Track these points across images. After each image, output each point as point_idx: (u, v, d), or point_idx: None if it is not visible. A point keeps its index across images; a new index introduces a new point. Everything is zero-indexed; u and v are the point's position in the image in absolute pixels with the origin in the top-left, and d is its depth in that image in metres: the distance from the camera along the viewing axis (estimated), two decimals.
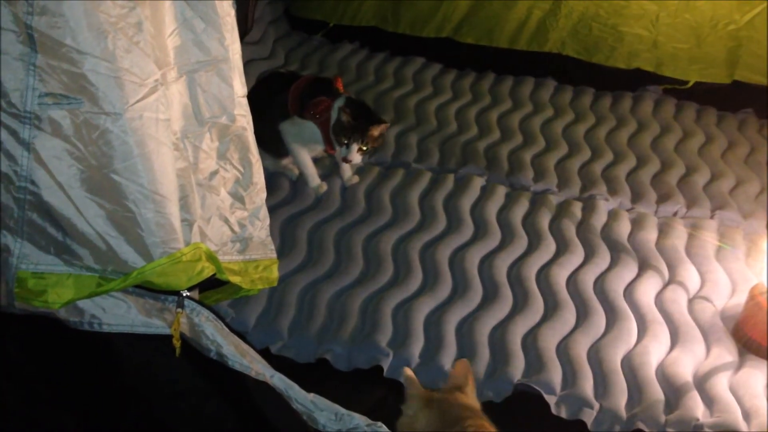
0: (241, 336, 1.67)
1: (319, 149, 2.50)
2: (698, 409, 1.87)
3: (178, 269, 1.51)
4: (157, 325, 1.56)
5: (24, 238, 1.47)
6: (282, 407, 1.60)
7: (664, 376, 1.98)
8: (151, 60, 1.44)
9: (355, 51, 3.47)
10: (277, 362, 1.80)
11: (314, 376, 1.91)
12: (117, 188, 1.44)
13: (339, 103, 2.37)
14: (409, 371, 1.59)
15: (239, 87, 1.68)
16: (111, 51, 1.38)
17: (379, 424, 1.62)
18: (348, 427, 1.62)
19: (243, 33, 2.59)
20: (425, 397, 1.53)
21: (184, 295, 1.55)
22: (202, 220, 1.64)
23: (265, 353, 1.88)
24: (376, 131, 2.35)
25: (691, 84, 3.24)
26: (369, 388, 1.92)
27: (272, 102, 2.46)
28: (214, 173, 1.68)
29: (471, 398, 1.56)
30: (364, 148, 2.36)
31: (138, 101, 1.42)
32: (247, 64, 3.11)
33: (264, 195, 1.84)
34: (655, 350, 2.04)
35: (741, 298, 2.19)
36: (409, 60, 3.39)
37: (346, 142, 2.34)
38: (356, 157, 2.38)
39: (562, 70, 3.32)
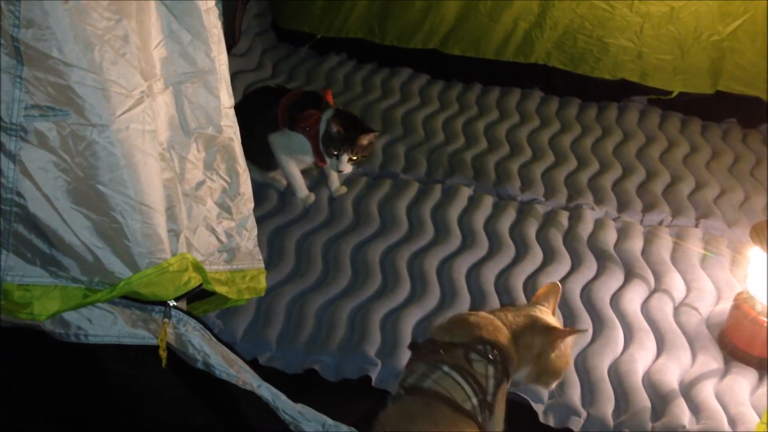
0: (229, 347, 1.67)
1: (308, 161, 2.51)
2: (684, 416, 1.88)
3: (164, 279, 1.51)
4: (144, 336, 1.56)
5: (9, 250, 1.47)
6: (269, 418, 1.59)
7: (650, 383, 1.99)
8: (137, 72, 1.45)
9: (343, 62, 3.48)
10: (265, 373, 1.79)
11: (302, 386, 1.91)
12: (103, 199, 1.44)
13: (327, 115, 2.38)
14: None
15: (226, 98, 1.68)
16: (98, 63, 1.38)
17: None
18: None
19: (230, 45, 2.62)
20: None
21: (171, 305, 1.55)
22: (188, 231, 1.64)
23: (253, 364, 1.87)
24: (364, 140, 2.37)
25: (675, 94, 3.27)
26: (357, 399, 1.91)
27: (261, 115, 2.47)
28: (201, 183, 1.68)
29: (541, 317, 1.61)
30: (354, 158, 2.37)
31: (124, 113, 1.42)
32: (235, 75, 3.12)
33: (251, 205, 1.84)
34: (642, 358, 2.05)
35: (726, 306, 2.20)
36: (396, 71, 3.41)
37: (336, 152, 2.36)
38: (347, 167, 2.39)
39: (548, 80, 3.35)
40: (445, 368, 1.44)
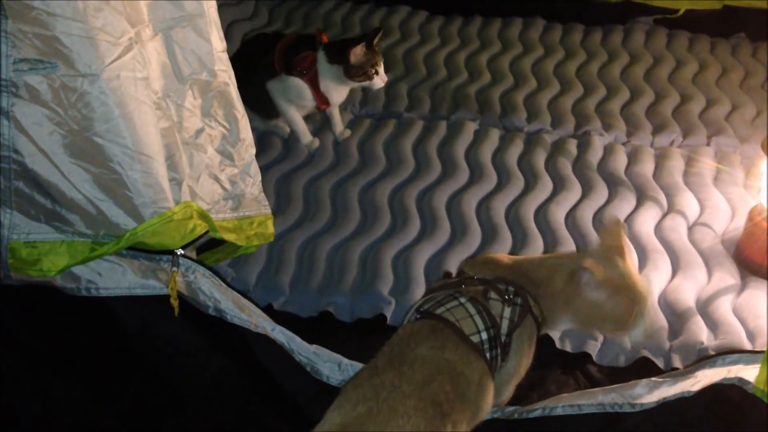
0: (243, 294, 1.67)
1: (309, 106, 2.47)
2: (702, 333, 1.87)
3: (170, 228, 1.50)
4: (154, 286, 1.56)
5: (13, 208, 1.47)
6: (284, 360, 1.60)
7: (666, 303, 1.98)
8: (123, 18, 1.42)
9: (339, 4, 3.41)
10: (280, 318, 1.80)
11: (318, 329, 1.91)
12: (101, 151, 1.43)
13: (321, 55, 2.34)
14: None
15: (218, 42, 1.65)
16: (82, 11, 1.35)
17: None
18: (351, 377, 1.62)
19: None
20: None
21: (179, 253, 1.55)
22: (191, 179, 1.63)
23: (268, 310, 1.88)
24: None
25: (681, 12, 3.18)
26: (374, 337, 1.90)
27: (259, 63, 2.43)
28: (200, 131, 1.66)
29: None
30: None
31: (114, 61, 1.40)
32: (231, 25, 3.08)
33: (253, 150, 1.82)
34: (657, 279, 2.04)
35: (741, 222, 2.17)
36: (394, 9, 3.34)
37: (374, 70, 2.35)
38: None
39: (551, 8, 3.27)
40: (462, 299, 1.44)
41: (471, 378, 1.35)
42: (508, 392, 1.54)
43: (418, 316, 1.46)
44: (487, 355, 1.41)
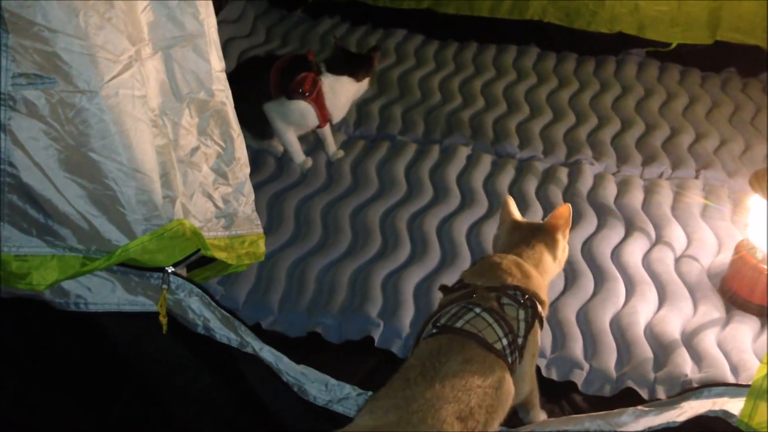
0: (231, 313, 1.67)
1: (310, 126, 2.47)
2: (687, 366, 1.88)
3: (161, 246, 1.51)
4: (143, 303, 1.56)
5: (5, 220, 1.47)
6: (271, 380, 1.60)
7: (652, 334, 1.99)
8: (124, 36, 1.43)
9: (336, 25, 3.44)
10: (268, 337, 1.80)
11: (306, 349, 1.91)
12: (96, 167, 1.44)
13: (325, 74, 2.37)
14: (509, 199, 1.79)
15: (216, 62, 1.66)
16: (83, 28, 1.36)
17: (370, 393, 1.63)
18: (339, 397, 1.63)
19: (217, 9, 2.58)
20: (513, 223, 1.74)
21: (169, 271, 1.55)
22: (184, 197, 1.63)
23: (256, 329, 1.88)
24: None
25: (673, 46, 3.23)
26: (361, 359, 1.92)
27: (254, 84, 2.43)
28: (195, 149, 1.67)
29: (557, 247, 1.71)
30: None
31: (113, 78, 1.41)
32: (228, 42, 3.09)
33: (247, 170, 1.83)
34: (643, 310, 2.06)
35: (727, 256, 2.20)
36: (390, 32, 3.37)
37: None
38: None
39: (545, 36, 3.31)
40: (477, 310, 1.48)
41: (496, 386, 1.39)
42: (527, 388, 1.60)
43: (434, 330, 1.48)
44: (509, 359, 1.45)
